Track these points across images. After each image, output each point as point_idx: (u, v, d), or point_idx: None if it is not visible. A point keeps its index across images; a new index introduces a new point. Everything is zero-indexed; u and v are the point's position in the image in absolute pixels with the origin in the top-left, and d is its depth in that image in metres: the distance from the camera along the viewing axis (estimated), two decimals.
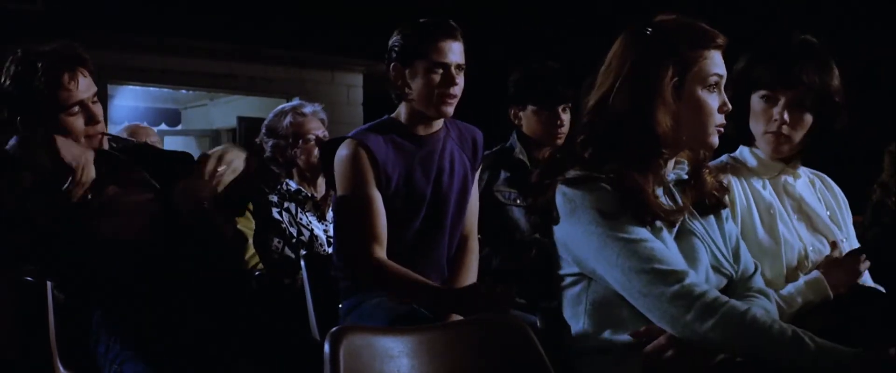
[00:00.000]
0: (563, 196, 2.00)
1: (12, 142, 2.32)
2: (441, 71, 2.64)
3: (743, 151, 2.52)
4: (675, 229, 2.04)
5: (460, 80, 2.68)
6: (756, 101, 2.43)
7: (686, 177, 2.13)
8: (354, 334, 1.78)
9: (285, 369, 2.33)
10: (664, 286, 1.86)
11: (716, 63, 2.01)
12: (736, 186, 2.40)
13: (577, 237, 1.98)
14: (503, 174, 3.50)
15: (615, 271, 1.91)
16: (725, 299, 1.86)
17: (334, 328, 1.76)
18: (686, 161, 2.14)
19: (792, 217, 2.42)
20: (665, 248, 1.93)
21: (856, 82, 2.43)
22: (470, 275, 2.81)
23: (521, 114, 3.61)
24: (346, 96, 10.89)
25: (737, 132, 2.50)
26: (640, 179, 1.97)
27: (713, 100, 2.01)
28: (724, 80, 2.04)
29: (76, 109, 2.51)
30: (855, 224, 2.66)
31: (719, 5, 8.87)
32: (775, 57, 2.41)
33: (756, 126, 2.45)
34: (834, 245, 2.43)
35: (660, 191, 2.06)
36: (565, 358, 1.99)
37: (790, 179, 2.49)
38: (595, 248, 1.94)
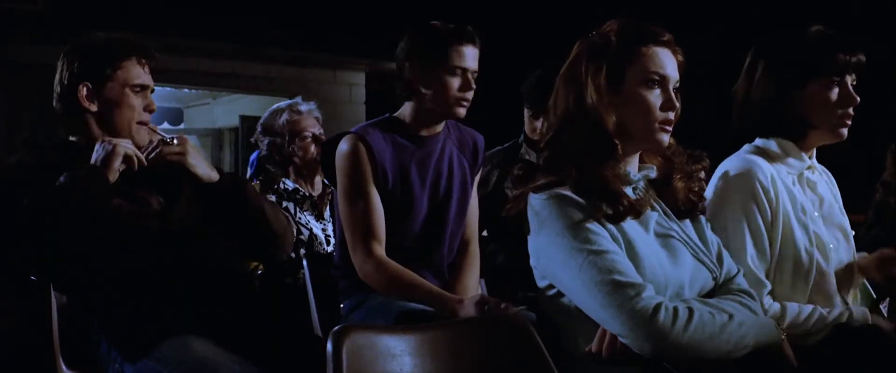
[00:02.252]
0: (531, 209, 2.04)
1: (62, 179, 2.32)
2: (460, 76, 2.68)
3: (769, 144, 2.46)
4: (651, 226, 2.06)
5: (474, 85, 2.72)
6: (816, 90, 2.37)
7: (653, 175, 2.15)
8: (357, 333, 1.79)
9: (288, 368, 2.33)
10: (623, 298, 1.87)
11: (657, 61, 2.03)
12: (779, 185, 2.35)
13: (546, 250, 2.00)
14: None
15: (577, 284, 1.93)
16: (681, 305, 1.89)
17: (337, 327, 1.77)
18: (655, 166, 2.16)
19: (816, 214, 2.41)
20: (625, 259, 1.94)
21: (858, 81, 2.42)
22: (471, 280, 2.81)
23: (535, 123, 3.64)
24: (349, 95, 10.88)
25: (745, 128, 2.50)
26: (601, 171, 2.00)
27: (654, 97, 2.03)
28: (671, 80, 2.05)
29: (138, 89, 2.55)
30: (857, 223, 2.67)
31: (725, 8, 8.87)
32: (821, 45, 2.38)
33: (826, 113, 2.39)
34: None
35: (628, 189, 2.07)
36: (564, 363, 1.99)
37: (812, 177, 2.47)
38: (561, 260, 1.96)
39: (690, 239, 2.12)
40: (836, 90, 2.37)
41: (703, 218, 2.21)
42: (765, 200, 2.30)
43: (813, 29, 2.41)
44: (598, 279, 1.89)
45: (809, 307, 2.26)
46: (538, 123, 3.68)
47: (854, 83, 2.40)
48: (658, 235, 2.08)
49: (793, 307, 2.25)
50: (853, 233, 2.52)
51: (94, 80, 2.51)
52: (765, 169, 2.34)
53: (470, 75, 2.70)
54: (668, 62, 2.05)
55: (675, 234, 2.10)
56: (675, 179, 2.16)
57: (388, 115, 2.82)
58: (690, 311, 1.88)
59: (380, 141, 2.68)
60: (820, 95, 2.38)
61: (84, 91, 2.50)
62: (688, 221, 2.18)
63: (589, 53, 2.06)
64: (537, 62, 3.76)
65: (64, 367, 2.43)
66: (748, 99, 2.45)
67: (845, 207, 2.58)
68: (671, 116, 2.06)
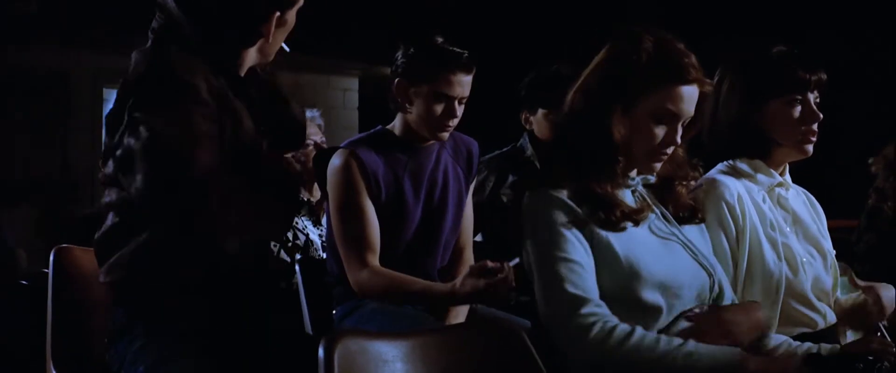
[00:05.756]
0: (524, 206, 2.06)
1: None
2: (445, 102, 2.64)
3: (739, 164, 2.46)
4: (651, 227, 2.07)
5: (460, 110, 2.69)
6: (779, 108, 2.39)
7: (653, 180, 2.16)
8: (349, 339, 1.79)
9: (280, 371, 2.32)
10: (567, 309, 1.91)
11: (676, 100, 2.02)
12: (746, 202, 2.36)
13: (528, 247, 2.04)
14: (511, 177, 3.51)
15: (540, 284, 1.98)
16: (627, 327, 1.90)
17: (329, 333, 1.77)
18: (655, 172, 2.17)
19: (787, 229, 2.42)
20: (586, 272, 1.96)
21: (855, 86, 2.43)
22: None
23: (531, 118, 3.63)
24: (343, 100, 10.88)
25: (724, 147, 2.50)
26: (599, 186, 2.02)
27: (659, 130, 2.04)
28: (684, 116, 2.05)
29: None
30: (850, 229, 2.67)
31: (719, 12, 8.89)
32: (782, 63, 2.40)
33: (789, 131, 2.41)
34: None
35: (627, 193, 2.09)
36: (559, 364, 1.99)
37: (783, 193, 2.48)
38: (534, 259, 2.01)
39: (691, 242, 2.12)
40: (798, 108, 2.39)
41: (703, 226, 2.22)
42: (729, 219, 2.30)
43: (774, 48, 2.44)
44: (552, 285, 1.94)
45: (781, 338, 2.25)
46: (534, 117, 3.66)
47: (817, 100, 2.42)
48: (657, 236, 2.09)
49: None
50: (834, 252, 2.52)
51: None
52: (731, 188, 2.35)
53: (456, 103, 2.65)
54: (687, 100, 2.04)
55: (674, 237, 2.10)
56: (677, 185, 2.18)
57: (380, 127, 2.81)
58: (631, 332, 1.90)
59: (371, 155, 2.67)
60: (783, 113, 2.40)
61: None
62: (688, 227, 2.18)
63: (615, 62, 2.06)
64: (532, 65, 3.75)
65: (53, 370, 2.42)
66: (716, 118, 2.46)
67: (839, 213, 2.58)
68: (669, 150, 2.07)
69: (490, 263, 2.37)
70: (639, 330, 1.91)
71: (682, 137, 2.09)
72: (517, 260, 2.30)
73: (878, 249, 4.81)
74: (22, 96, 8.55)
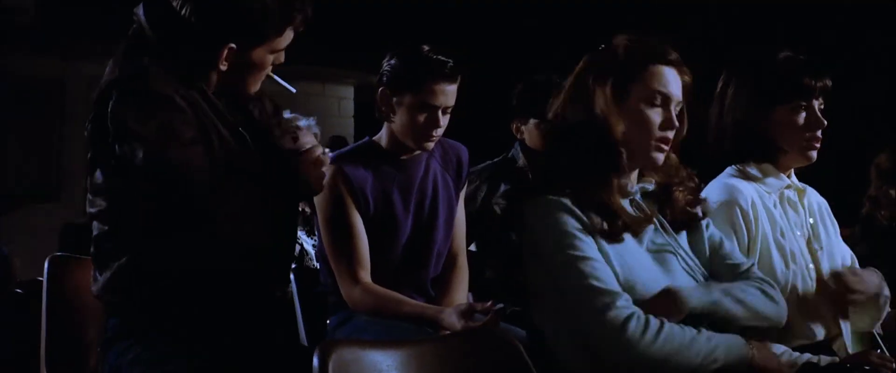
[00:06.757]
0: (526, 221, 2.04)
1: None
2: (427, 112, 2.61)
3: (749, 167, 2.47)
4: (646, 241, 2.07)
5: (444, 120, 2.66)
6: (783, 114, 2.41)
7: (651, 188, 2.16)
8: (343, 348, 1.79)
9: None
10: (597, 304, 1.89)
11: (662, 80, 2.04)
12: (759, 208, 2.37)
13: (532, 253, 2.03)
14: (503, 187, 3.51)
15: (555, 287, 1.97)
16: (654, 318, 1.90)
17: (323, 342, 1.77)
18: (654, 180, 2.17)
19: (796, 233, 2.42)
20: (606, 268, 1.95)
21: (851, 93, 2.45)
22: (459, 294, 2.80)
23: (523, 128, 3.62)
24: (338, 109, 10.88)
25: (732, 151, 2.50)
26: (601, 190, 2.02)
27: (654, 114, 2.04)
28: (674, 99, 2.06)
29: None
30: (845, 237, 2.67)
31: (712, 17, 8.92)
32: (787, 69, 2.42)
33: (794, 137, 2.42)
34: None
35: (625, 202, 2.09)
36: None
37: (793, 196, 2.48)
38: (542, 263, 2.00)
39: (686, 253, 2.13)
40: (803, 114, 2.41)
41: (702, 224, 2.21)
42: (743, 226, 2.32)
43: (780, 53, 2.45)
44: (574, 283, 1.92)
45: (781, 348, 2.25)
46: (525, 126, 3.66)
47: (821, 107, 2.43)
48: (651, 250, 2.09)
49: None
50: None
51: None
52: (746, 194, 2.36)
53: (439, 113, 2.62)
54: (672, 81, 2.06)
55: (669, 248, 2.11)
56: (675, 191, 2.18)
57: (368, 139, 2.80)
58: (661, 322, 1.89)
59: (359, 169, 2.66)
60: (787, 119, 2.41)
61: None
62: (684, 233, 2.18)
63: (596, 67, 2.07)
64: (524, 74, 3.75)
65: None
66: (721, 123, 2.47)
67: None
68: (669, 135, 2.07)
69: (478, 305, 2.39)
70: (664, 320, 1.92)
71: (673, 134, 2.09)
72: (502, 305, 2.30)
73: (872, 259, 4.81)
74: (17, 104, 8.54)
